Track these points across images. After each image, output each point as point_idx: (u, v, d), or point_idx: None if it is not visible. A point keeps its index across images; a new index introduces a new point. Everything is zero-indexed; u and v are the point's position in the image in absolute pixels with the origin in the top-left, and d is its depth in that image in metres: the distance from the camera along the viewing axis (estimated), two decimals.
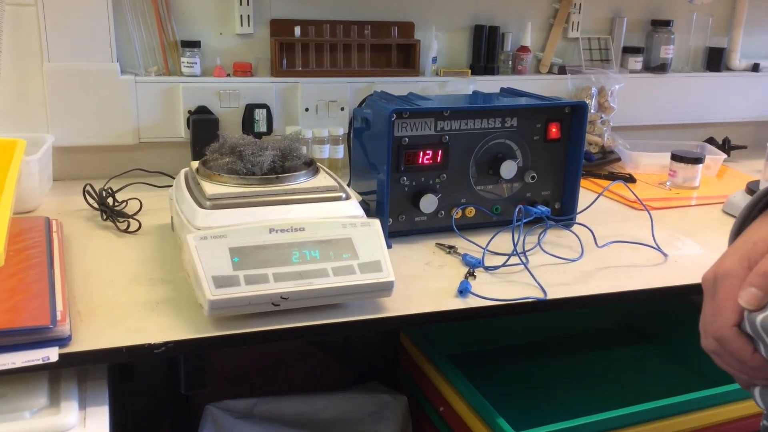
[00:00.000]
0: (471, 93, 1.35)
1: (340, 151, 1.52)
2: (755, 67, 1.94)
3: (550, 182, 1.26)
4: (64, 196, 1.33)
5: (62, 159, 1.42)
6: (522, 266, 1.07)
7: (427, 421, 1.23)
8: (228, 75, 1.48)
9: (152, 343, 0.82)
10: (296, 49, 1.51)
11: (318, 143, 1.49)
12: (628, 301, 1.06)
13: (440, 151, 1.17)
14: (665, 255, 1.16)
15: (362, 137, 1.21)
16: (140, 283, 0.98)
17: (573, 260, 1.12)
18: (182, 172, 1.11)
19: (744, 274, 0.62)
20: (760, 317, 0.59)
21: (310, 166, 1.08)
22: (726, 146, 1.86)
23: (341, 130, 1.51)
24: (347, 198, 1.01)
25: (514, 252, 1.09)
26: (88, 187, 1.25)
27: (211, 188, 0.98)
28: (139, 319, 0.88)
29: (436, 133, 1.16)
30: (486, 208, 1.22)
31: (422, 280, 1.03)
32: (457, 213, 1.20)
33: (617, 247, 1.18)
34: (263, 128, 1.47)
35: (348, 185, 1.14)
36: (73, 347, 0.80)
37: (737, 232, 0.69)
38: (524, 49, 1.70)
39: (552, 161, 1.25)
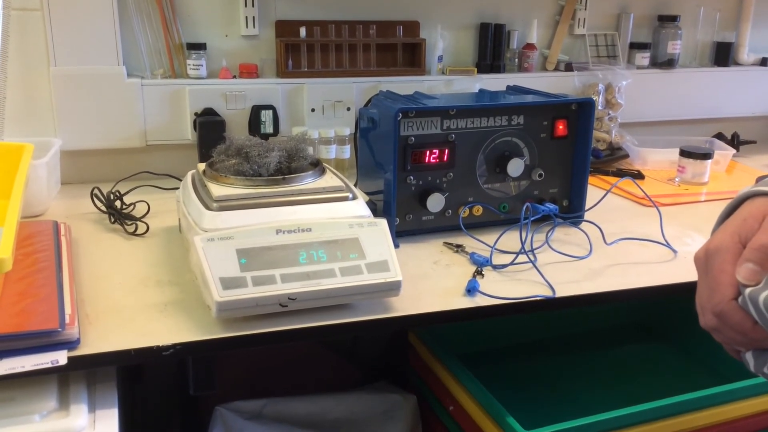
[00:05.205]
0: (477, 91, 1.35)
1: (347, 151, 1.52)
2: (764, 62, 1.92)
3: (558, 180, 1.26)
4: (72, 200, 1.34)
5: (70, 162, 1.42)
6: (530, 264, 1.06)
7: (437, 421, 1.22)
8: (234, 76, 1.49)
9: (160, 345, 0.82)
10: (302, 49, 1.51)
11: (324, 143, 1.49)
12: (637, 298, 1.05)
13: (447, 150, 1.16)
14: (675, 251, 1.15)
15: (368, 137, 1.21)
16: (148, 286, 0.98)
17: (582, 258, 1.12)
18: (189, 174, 1.11)
19: (735, 249, 0.63)
20: (762, 296, 0.58)
21: (317, 166, 1.08)
22: (735, 141, 1.85)
23: (347, 130, 1.51)
24: (354, 198, 1.01)
25: (522, 250, 1.08)
26: (95, 191, 1.25)
27: (217, 190, 0.98)
28: (148, 321, 0.88)
29: (443, 132, 1.16)
30: (493, 207, 1.22)
31: (430, 280, 1.02)
32: (464, 212, 1.19)
33: (626, 244, 1.18)
34: (269, 129, 1.48)
35: (355, 185, 1.14)
36: (82, 350, 0.80)
37: (725, 217, 0.69)
38: (530, 46, 1.69)
39: (559, 158, 1.25)
